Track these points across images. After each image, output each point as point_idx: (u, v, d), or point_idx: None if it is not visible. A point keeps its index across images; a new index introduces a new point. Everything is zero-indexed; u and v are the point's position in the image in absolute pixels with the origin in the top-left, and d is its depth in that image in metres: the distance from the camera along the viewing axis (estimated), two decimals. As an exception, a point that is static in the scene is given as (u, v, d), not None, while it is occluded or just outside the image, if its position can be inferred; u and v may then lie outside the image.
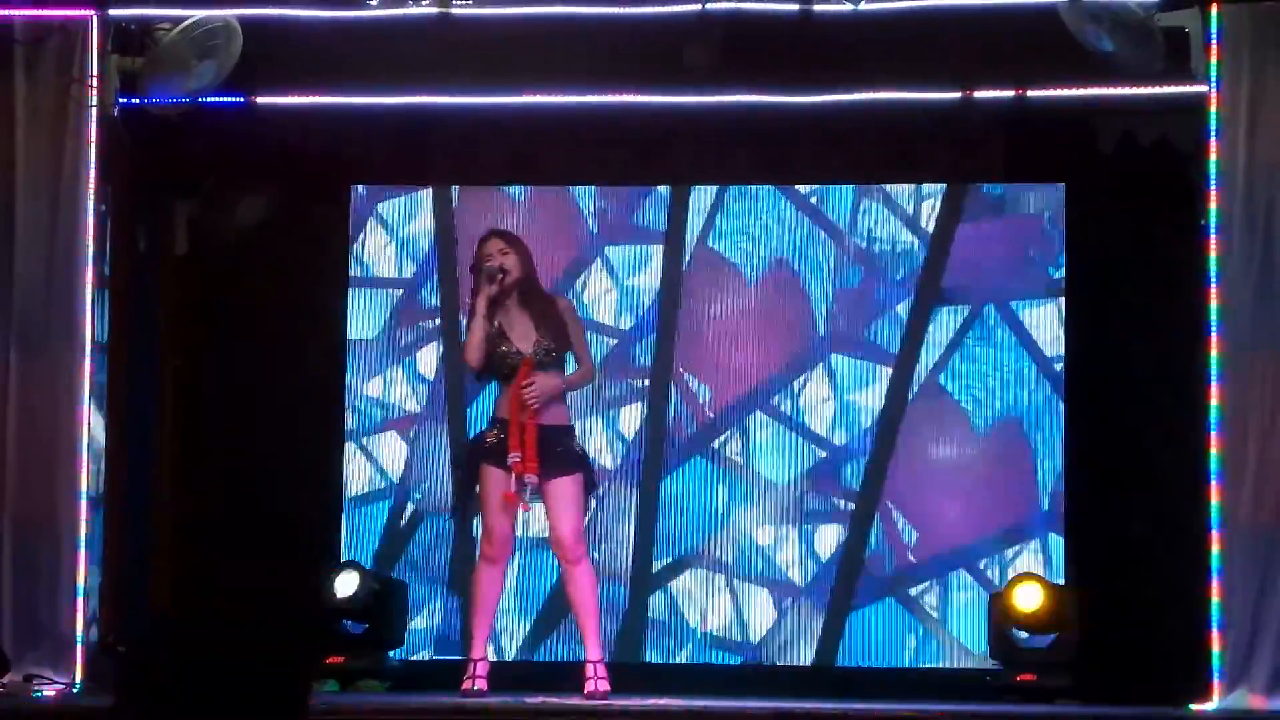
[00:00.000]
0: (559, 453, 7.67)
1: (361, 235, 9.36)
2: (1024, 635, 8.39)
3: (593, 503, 8.10)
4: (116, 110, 8.38)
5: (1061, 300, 8.95)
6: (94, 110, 8.20)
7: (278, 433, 9.04)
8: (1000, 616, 8.42)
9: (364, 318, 9.32)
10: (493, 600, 7.86)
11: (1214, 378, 7.80)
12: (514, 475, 7.61)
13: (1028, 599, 8.34)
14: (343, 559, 9.01)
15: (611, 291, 9.22)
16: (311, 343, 9.24)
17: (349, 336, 9.29)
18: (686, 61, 8.45)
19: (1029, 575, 8.51)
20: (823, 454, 9.07)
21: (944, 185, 9.12)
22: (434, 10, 8.28)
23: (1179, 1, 7.98)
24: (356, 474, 9.26)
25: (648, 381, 9.10)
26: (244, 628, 2.52)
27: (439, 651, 9.13)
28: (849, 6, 8.14)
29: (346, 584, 8.58)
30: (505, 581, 8.05)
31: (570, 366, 7.85)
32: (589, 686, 7.71)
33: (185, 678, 2.48)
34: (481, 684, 7.73)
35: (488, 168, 9.26)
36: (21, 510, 8.12)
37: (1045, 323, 8.97)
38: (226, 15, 8.25)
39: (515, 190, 9.34)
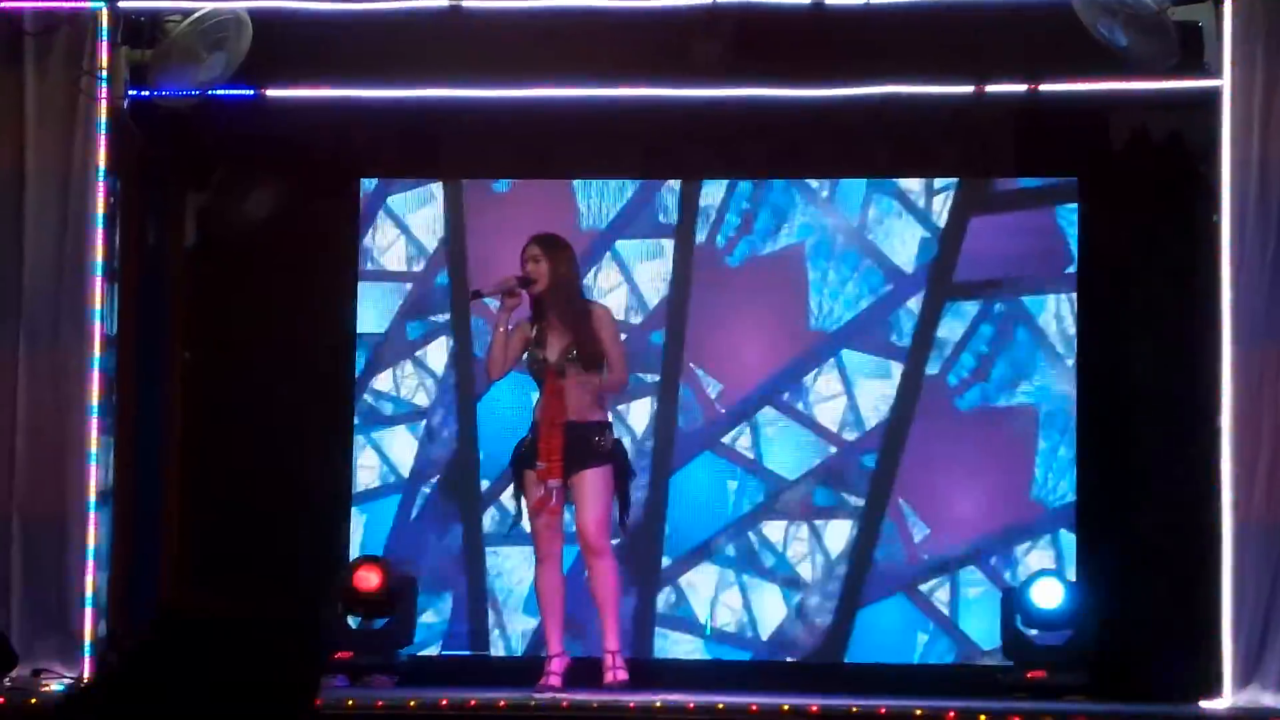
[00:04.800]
0: (586, 447, 7.73)
1: (371, 228, 9.35)
2: (1035, 633, 8.36)
3: (635, 494, 8.09)
4: (126, 103, 8.37)
5: (1073, 295, 8.92)
6: (103, 103, 8.18)
7: (287, 426, 9.02)
8: (1016, 613, 8.38)
9: (373, 311, 9.30)
10: (556, 598, 7.88)
11: (1226, 373, 7.77)
12: (542, 481, 7.70)
13: (1046, 596, 8.30)
14: (352, 554, 9.00)
15: (621, 286, 9.20)
16: (320, 336, 9.23)
17: (358, 330, 9.28)
18: (697, 56, 8.43)
19: (1046, 572, 8.48)
20: (833, 449, 9.05)
21: (956, 179, 9.10)
22: (444, 4, 8.26)
23: (1192, -5, 7.97)
24: (366, 468, 9.25)
25: (657, 376, 9.08)
26: (249, 625, 2.50)
27: (447, 647, 9.12)
28: (861, 0, 8.11)
29: (369, 578, 8.56)
30: (563, 577, 8.01)
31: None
32: (608, 676, 7.76)
33: (189, 676, 2.45)
34: (556, 680, 7.74)
35: (497, 161, 9.25)
36: (30, 505, 8.10)
37: (1057, 318, 8.94)
38: (236, 7, 8.24)
39: (525, 184, 9.32)
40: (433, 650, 9.09)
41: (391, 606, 8.61)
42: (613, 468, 7.82)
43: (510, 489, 8.02)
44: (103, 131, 8.20)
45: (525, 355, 7.81)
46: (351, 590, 8.52)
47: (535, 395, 7.91)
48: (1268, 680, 7.65)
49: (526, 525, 7.87)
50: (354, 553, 9.03)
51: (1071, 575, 8.67)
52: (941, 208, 9.09)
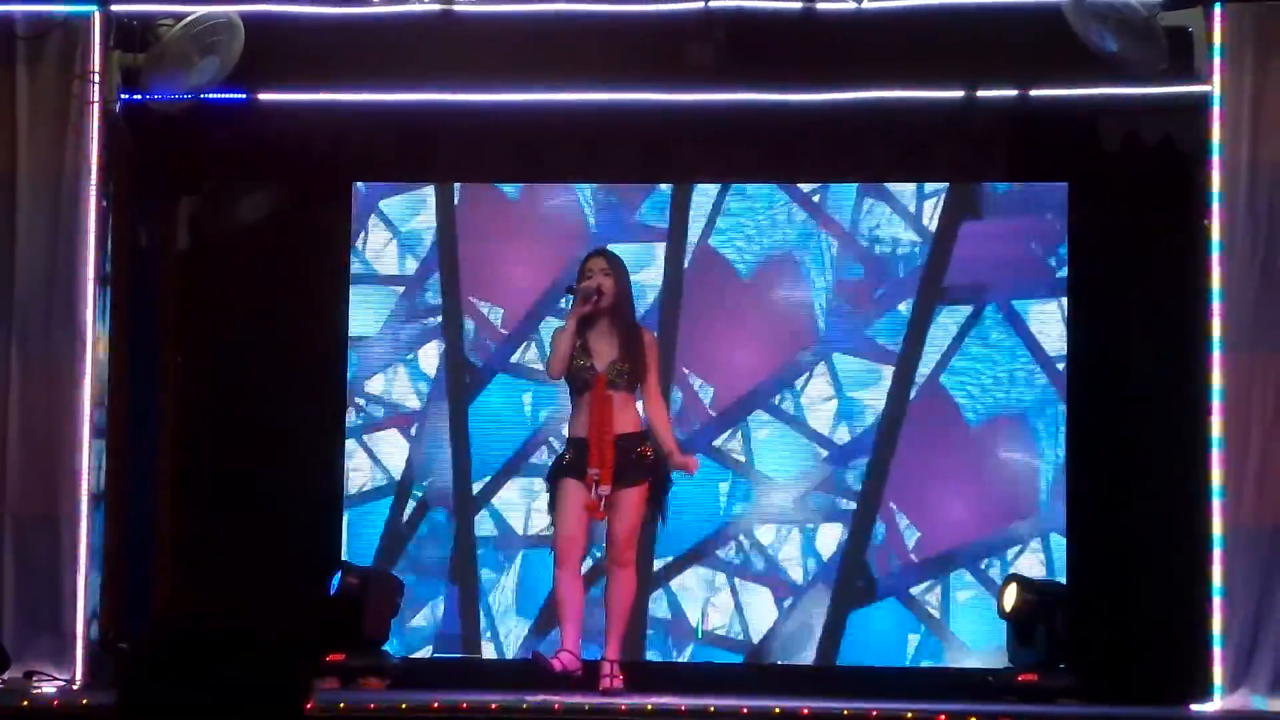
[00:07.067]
0: (631, 461, 7.83)
1: (363, 232, 9.35)
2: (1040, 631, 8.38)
3: (667, 504, 8.10)
4: (118, 106, 8.36)
5: (1064, 300, 8.94)
6: (96, 106, 8.18)
7: (279, 429, 9.03)
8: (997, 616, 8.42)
9: (366, 315, 9.31)
10: (575, 602, 7.93)
11: (1216, 377, 7.78)
12: (591, 487, 7.76)
13: (1007, 600, 8.34)
14: (343, 557, 9.00)
15: (613, 289, 9.20)
16: (313, 339, 9.24)
17: (350, 333, 9.28)
18: (689, 59, 8.44)
19: (1012, 577, 8.51)
20: (824, 453, 9.06)
21: (947, 184, 9.11)
22: (436, 7, 8.26)
23: (1182, 1, 7.97)
24: (357, 471, 9.25)
25: (650, 380, 9.08)
26: (245, 625, 2.51)
27: (439, 649, 9.13)
28: (852, 5, 8.12)
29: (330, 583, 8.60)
30: (582, 582, 8.07)
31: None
32: (604, 684, 7.82)
33: (188, 676, 2.47)
34: (569, 663, 7.79)
35: (490, 165, 9.26)
36: (23, 506, 8.10)
37: (1047, 322, 8.96)
38: (229, 11, 8.24)
39: (517, 188, 9.33)
40: (424, 653, 9.10)
41: (359, 608, 8.58)
42: (651, 482, 7.91)
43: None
44: (95, 135, 8.19)
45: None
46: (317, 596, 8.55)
47: (572, 408, 7.95)
48: (1258, 683, 7.66)
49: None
50: (345, 556, 9.03)
51: (1061, 578, 8.70)
52: (933, 212, 9.11)
